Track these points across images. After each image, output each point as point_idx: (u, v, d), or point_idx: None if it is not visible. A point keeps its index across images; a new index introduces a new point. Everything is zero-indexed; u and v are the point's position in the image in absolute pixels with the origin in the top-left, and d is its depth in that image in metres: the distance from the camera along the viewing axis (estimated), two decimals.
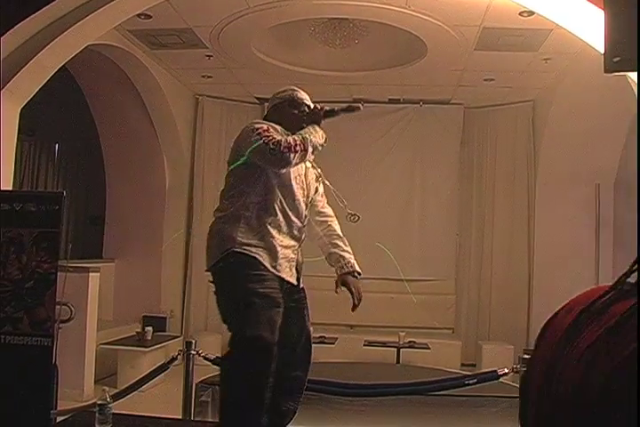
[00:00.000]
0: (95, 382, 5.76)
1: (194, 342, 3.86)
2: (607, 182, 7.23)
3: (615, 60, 2.31)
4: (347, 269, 2.99)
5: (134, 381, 3.91)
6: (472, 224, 8.24)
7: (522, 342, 7.45)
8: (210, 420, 4.02)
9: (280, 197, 2.84)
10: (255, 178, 2.83)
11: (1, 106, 4.52)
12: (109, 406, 3.10)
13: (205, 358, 3.85)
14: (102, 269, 6.28)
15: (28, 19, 4.55)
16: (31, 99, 4.84)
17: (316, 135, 2.86)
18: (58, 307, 3.86)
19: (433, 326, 7.93)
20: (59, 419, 3.58)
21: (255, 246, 2.75)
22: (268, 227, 2.79)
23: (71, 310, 4.18)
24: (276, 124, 2.95)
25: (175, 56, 6.74)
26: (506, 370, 3.68)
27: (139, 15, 5.41)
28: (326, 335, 6.88)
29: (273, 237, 2.78)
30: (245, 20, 5.64)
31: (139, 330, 6.64)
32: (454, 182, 8.23)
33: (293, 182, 2.88)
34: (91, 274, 5.71)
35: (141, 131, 7.68)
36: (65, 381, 4.29)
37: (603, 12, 2.36)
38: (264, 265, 2.72)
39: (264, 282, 2.68)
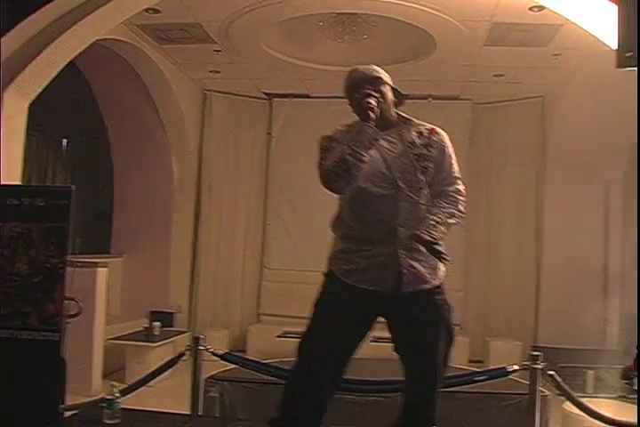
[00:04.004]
0: (103, 377, 5.76)
1: (202, 337, 3.85)
2: (617, 179, 7.19)
3: (628, 54, 2.30)
4: None
5: (143, 376, 3.91)
6: (480, 220, 8.18)
7: (529, 338, 7.43)
8: (217, 415, 4.02)
9: None
10: None
11: (6, 102, 4.53)
12: (118, 400, 3.10)
13: (214, 354, 3.84)
14: (110, 264, 6.28)
15: (35, 13, 4.56)
16: (39, 94, 4.84)
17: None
18: (66, 302, 3.86)
19: None
20: (67, 413, 3.59)
21: None
22: None
23: (79, 305, 4.18)
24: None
25: (183, 51, 6.72)
26: (515, 367, 3.66)
27: (147, 10, 5.40)
28: None
29: None
30: (254, 15, 5.63)
31: (146, 325, 6.64)
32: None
33: None
34: (99, 269, 5.71)
35: (149, 126, 7.67)
36: (73, 375, 4.29)
37: (616, 6, 2.35)
38: None
39: None
